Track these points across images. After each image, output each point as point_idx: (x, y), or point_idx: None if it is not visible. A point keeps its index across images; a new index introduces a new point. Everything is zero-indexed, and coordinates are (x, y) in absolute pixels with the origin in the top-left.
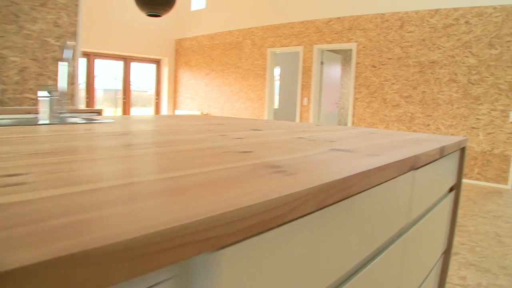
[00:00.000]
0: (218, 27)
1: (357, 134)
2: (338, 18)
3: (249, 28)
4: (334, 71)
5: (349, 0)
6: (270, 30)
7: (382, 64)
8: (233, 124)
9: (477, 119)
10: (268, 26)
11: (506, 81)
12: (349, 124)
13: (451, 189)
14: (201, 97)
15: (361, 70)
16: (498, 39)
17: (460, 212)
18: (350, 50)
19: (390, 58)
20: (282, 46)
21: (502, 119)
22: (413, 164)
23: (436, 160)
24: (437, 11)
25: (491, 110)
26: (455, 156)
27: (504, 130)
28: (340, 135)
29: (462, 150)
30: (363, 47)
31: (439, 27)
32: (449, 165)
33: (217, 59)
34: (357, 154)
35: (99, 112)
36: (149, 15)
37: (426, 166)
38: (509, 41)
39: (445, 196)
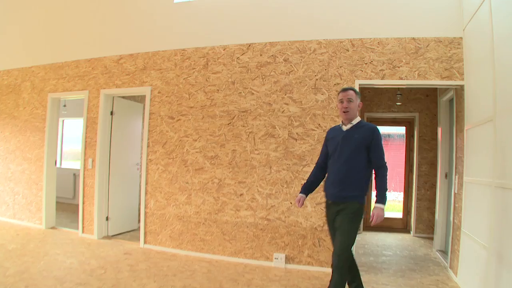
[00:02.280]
0: None
1: None
2: (131, 55)
3: (29, 67)
4: (132, 124)
5: (144, 32)
6: (52, 70)
7: (182, 115)
8: None
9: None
10: (50, 65)
11: None
12: (143, 195)
13: None
14: None
15: (155, 123)
16: (324, 81)
17: None
18: (140, 96)
19: (191, 107)
20: (65, 91)
21: None
22: None
23: None
24: (249, 46)
25: None
26: None
27: None
28: None
29: None
30: (159, 92)
31: (252, 66)
32: None
33: None
34: None
35: None
36: None
37: None
38: (338, 83)
39: None
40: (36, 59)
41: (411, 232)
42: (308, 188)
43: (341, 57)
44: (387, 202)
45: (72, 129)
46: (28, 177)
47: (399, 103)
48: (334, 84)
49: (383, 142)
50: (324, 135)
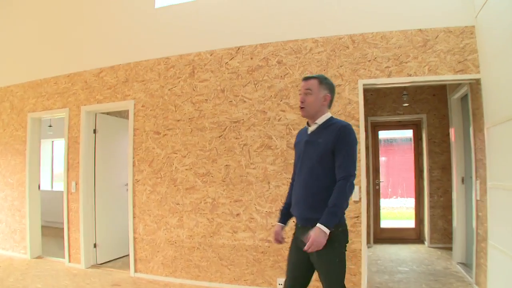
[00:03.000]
0: None
1: None
2: (112, 67)
3: (8, 87)
4: (119, 142)
5: (125, 42)
6: (31, 88)
7: (169, 129)
8: None
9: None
10: (29, 82)
11: None
12: (130, 219)
13: None
14: None
15: (140, 139)
16: None
17: None
18: (126, 111)
19: (178, 120)
20: (44, 110)
21: None
22: None
23: None
24: (238, 49)
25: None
26: None
27: (346, 214)
28: None
29: None
30: (143, 106)
31: (243, 71)
32: None
33: None
34: None
35: None
36: None
37: None
38: (339, 85)
39: None
40: (15, 78)
41: (426, 243)
42: (286, 214)
43: (341, 56)
44: (333, 224)
45: (62, 150)
46: (11, 203)
47: (406, 104)
48: (335, 86)
49: (381, 146)
50: None
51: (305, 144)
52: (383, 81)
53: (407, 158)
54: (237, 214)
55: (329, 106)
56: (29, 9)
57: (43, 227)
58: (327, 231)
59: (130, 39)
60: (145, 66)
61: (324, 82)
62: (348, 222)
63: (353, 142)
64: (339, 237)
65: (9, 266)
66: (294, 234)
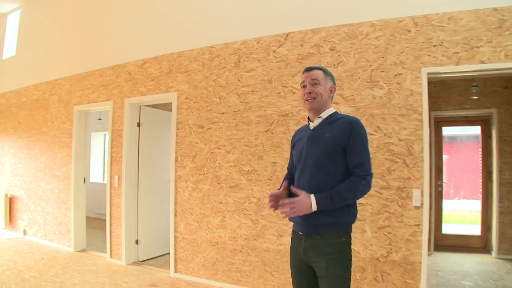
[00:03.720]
0: (26, 79)
1: None
2: (155, 58)
3: (56, 80)
4: (163, 136)
5: (168, 31)
6: (77, 81)
7: (213, 123)
8: None
9: (359, 202)
10: (75, 75)
11: (400, 139)
12: (172, 217)
13: None
14: (8, 173)
15: (184, 133)
16: (382, 72)
17: None
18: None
19: (223, 113)
20: (89, 102)
21: (401, 203)
22: None
23: None
24: (287, 36)
25: (381, 188)
26: None
27: (405, 221)
28: None
29: None
30: (186, 98)
31: (292, 59)
32: None
33: (24, 122)
34: None
35: None
36: None
37: None
38: (400, 74)
39: None
40: (62, 71)
41: (493, 253)
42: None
43: (401, 41)
44: (323, 207)
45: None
46: (57, 196)
47: (475, 97)
48: (395, 75)
49: (444, 144)
50: (387, 142)
51: (308, 141)
52: (450, 69)
53: (471, 156)
54: (284, 217)
55: (331, 100)
56: (72, 4)
57: (93, 219)
58: (314, 207)
59: (174, 28)
60: (188, 56)
61: (328, 73)
62: (407, 231)
63: (367, 138)
64: (347, 248)
65: (52, 259)
66: (292, 246)
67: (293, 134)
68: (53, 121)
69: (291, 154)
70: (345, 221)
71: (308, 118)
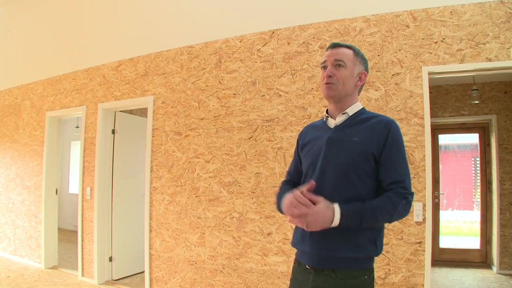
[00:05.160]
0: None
1: None
2: (131, 59)
3: (28, 84)
4: (141, 144)
5: (145, 30)
6: (50, 85)
7: (191, 129)
8: None
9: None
10: (48, 79)
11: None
12: (147, 233)
13: None
14: None
15: (159, 141)
16: (378, 71)
17: None
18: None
19: (202, 118)
20: (62, 108)
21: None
22: None
23: None
24: (273, 33)
25: None
26: None
27: (405, 238)
28: None
29: None
30: (163, 102)
31: (278, 59)
32: None
33: None
34: None
35: None
36: None
37: None
38: (398, 73)
39: None
40: (35, 74)
41: (494, 268)
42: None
43: (399, 37)
44: (348, 223)
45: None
46: (28, 208)
47: (476, 101)
48: (393, 75)
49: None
50: None
51: (329, 143)
52: (454, 67)
53: (464, 166)
54: (269, 234)
55: (360, 91)
56: (45, 5)
57: (71, 232)
58: (336, 223)
59: (151, 27)
60: (166, 57)
61: (360, 54)
62: (408, 249)
63: (403, 143)
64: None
65: (19, 277)
66: (293, 281)
67: (280, 139)
68: (24, 128)
69: (297, 156)
70: (371, 255)
71: (327, 111)
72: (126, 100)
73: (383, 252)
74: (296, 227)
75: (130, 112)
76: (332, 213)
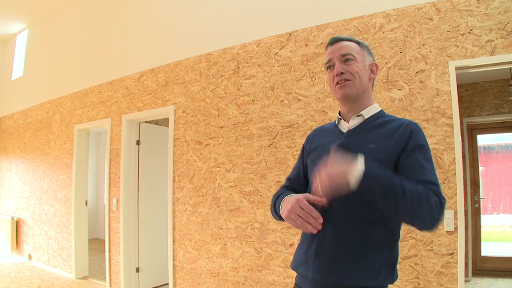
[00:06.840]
0: (32, 99)
1: None
2: (152, 70)
3: (58, 98)
4: (165, 155)
5: (165, 41)
6: (78, 99)
7: (211, 138)
8: None
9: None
10: (76, 93)
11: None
12: (170, 244)
13: None
14: (15, 196)
15: (181, 151)
16: (401, 69)
17: None
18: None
19: (222, 126)
20: (89, 120)
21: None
22: None
23: None
24: (290, 35)
25: None
26: None
27: (435, 249)
28: None
29: None
30: (183, 112)
31: (296, 62)
32: None
33: (30, 142)
34: None
35: None
36: None
37: None
38: (422, 70)
39: None
40: (64, 89)
41: None
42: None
43: (422, 31)
44: (372, 185)
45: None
46: (59, 219)
47: None
48: (417, 72)
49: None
50: None
51: (341, 150)
52: (484, 60)
53: (509, 167)
54: (291, 245)
55: (373, 86)
56: (71, 23)
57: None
58: (360, 169)
59: (170, 37)
60: (185, 66)
61: (364, 45)
62: (438, 261)
63: (429, 147)
64: None
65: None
66: None
67: (300, 145)
68: (55, 141)
69: (301, 161)
70: (387, 283)
71: (340, 113)
72: (148, 110)
73: (411, 264)
74: (298, 247)
75: (156, 122)
76: (354, 161)
